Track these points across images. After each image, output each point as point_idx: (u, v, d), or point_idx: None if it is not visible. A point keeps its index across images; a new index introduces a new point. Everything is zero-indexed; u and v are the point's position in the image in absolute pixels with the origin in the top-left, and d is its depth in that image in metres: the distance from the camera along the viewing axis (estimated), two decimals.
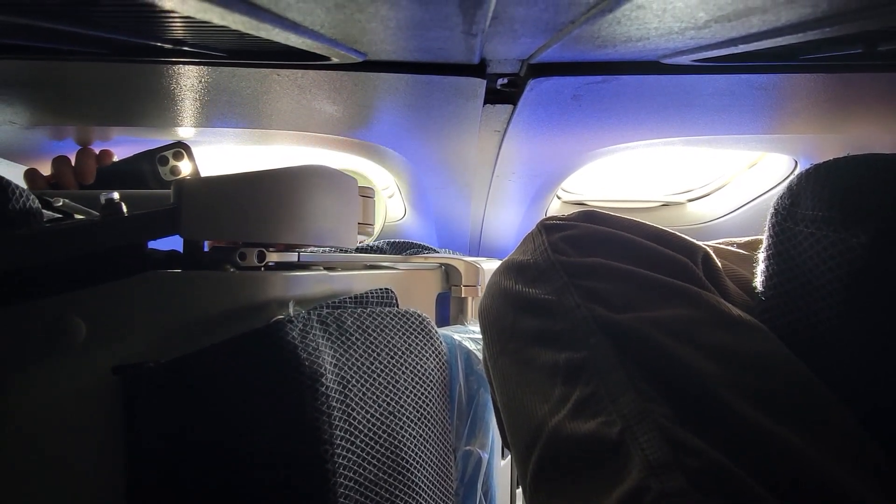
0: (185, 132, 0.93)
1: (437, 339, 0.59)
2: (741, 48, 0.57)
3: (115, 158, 0.90)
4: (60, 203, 0.51)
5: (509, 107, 0.79)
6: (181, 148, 0.89)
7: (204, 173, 0.92)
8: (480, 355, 0.63)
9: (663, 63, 0.65)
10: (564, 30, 0.55)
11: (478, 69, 0.68)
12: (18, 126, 0.84)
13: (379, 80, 0.70)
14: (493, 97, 0.76)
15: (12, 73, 0.67)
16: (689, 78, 0.70)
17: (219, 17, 0.47)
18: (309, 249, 0.60)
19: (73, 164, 0.86)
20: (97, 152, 0.89)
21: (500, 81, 0.73)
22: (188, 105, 0.80)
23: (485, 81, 0.70)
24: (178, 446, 0.42)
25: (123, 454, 0.42)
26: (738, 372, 0.33)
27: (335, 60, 0.63)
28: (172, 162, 0.89)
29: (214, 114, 0.84)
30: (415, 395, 0.54)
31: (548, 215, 0.86)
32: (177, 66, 0.66)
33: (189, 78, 0.70)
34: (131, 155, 0.89)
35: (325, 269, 0.59)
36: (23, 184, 0.76)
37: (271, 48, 0.58)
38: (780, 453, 0.29)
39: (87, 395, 0.42)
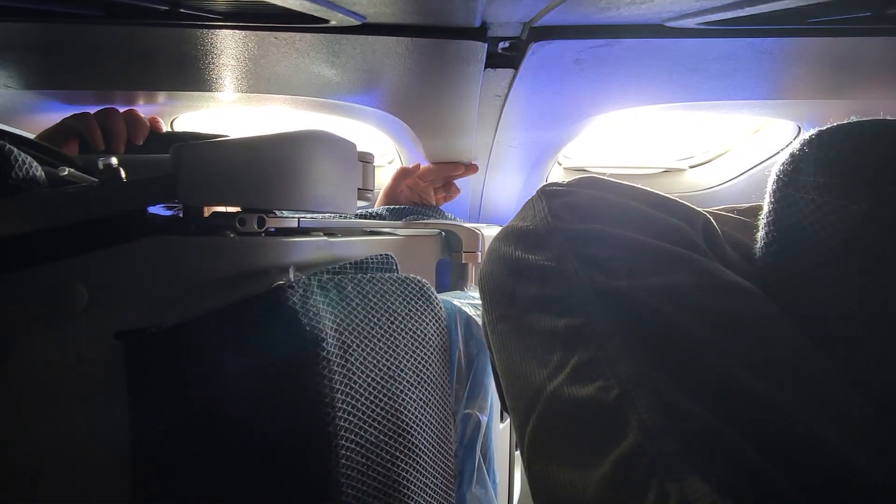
0: (181, 96, 0.92)
1: (437, 304, 0.59)
2: (747, 10, 0.56)
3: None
4: (66, 172, 0.51)
5: (510, 71, 0.77)
6: None
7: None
8: (480, 321, 0.64)
9: (667, 26, 0.64)
10: None
11: (478, 32, 0.67)
12: (14, 89, 0.83)
13: (378, 43, 0.69)
14: (494, 61, 0.75)
15: (7, 36, 0.66)
16: (694, 42, 0.69)
17: None
18: (309, 215, 0.60)
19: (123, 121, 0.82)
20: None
21: (501, 45, 0.72)
22: (184, 69, 0.79)
23: (485, 45, 0.69)
24: (181, 410, 0.43)
25: (126, 418, 0.42)
26: (735, 338, 0.33)
27: (334, 23, 0.62)
28: None
29: (211, 77, 0.83)
30: (415, 359, 0.54)
31: (549, 181, 0.85)
32: (172, 29, 0.65)
33: (185, 41, 0.68)
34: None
35: (325, 235, 0.59)
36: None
37: (269, 10, 0.57)
38: (775, 418, 0.29)
39: (89, 361, 0.42)
